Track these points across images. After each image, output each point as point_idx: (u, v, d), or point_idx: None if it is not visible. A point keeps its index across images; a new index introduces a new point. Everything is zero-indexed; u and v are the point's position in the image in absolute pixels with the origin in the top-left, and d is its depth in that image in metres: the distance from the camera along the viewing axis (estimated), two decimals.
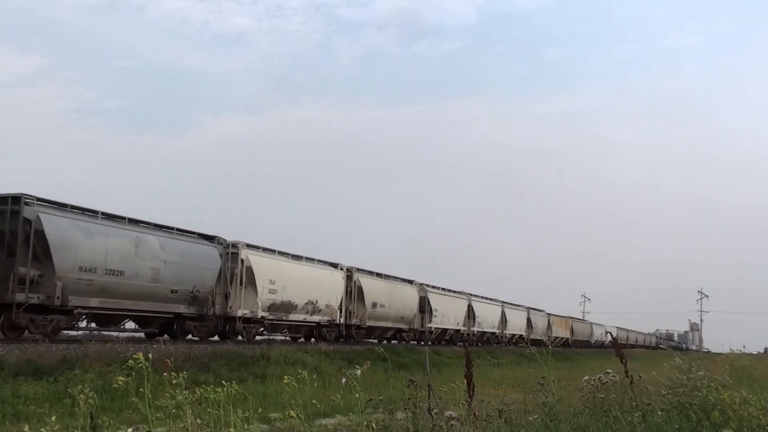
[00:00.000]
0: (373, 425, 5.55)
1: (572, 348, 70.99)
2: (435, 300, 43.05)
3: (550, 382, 6.10)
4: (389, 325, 38.20)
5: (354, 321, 34.13)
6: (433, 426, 5.54)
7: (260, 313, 27.24)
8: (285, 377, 5.39)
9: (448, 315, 44.63)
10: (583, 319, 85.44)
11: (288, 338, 31.87)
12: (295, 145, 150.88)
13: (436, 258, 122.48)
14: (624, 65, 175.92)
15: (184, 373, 4.74)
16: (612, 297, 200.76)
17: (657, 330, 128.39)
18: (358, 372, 5.69)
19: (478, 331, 49.77)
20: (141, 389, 4.34)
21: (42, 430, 4.36)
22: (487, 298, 53.48)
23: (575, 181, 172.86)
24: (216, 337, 27.23)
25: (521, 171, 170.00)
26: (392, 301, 37.80)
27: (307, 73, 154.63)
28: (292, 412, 5.15)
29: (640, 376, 6.20)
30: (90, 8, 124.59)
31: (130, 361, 4.42)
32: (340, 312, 33.18)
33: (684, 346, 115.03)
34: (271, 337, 30.05)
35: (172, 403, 4.54)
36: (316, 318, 31.20)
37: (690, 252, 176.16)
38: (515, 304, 59.16)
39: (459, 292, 47.79)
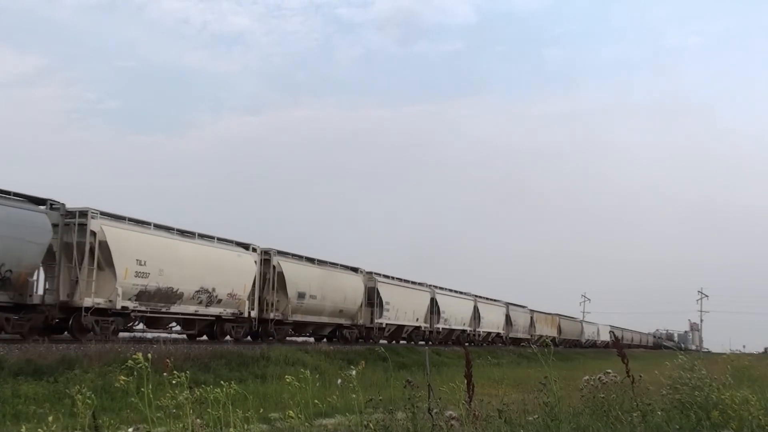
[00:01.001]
0: (372, 425, 5.55)
1: (560, 348, 64.69)
2: (386, 291, 37.02)
3: (551, 382, 6.10)
4: (324, 320, 32.29)
5: (272, 315, 28.20)
6: (433, 426, 5.53)
7: (120, 303, 21.29)
8: (287, 377, 5.39)
9: (404, 309, 38.61)
10: (573, 317, 79.60)
11: (178, 335, 25.57)
12: (295, 145, 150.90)
13: (436, 258, 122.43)
14: (624, 65, 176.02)
15: (186, 372, 4.74)
16: (612, 297, 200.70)
17: (657, 330, 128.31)
18: (353, 372, 5.68)
19: (443, 329, 43.90)
20: (141, 389, 4.34)
21: (41, 430, 4.35)
22: (456, 291, 47.32)
23: (575, 180, 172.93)
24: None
25: (521, 171, 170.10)
26: (327, 292, 31.53)
27: (307, 73, 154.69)
28: (291, 412, 5.15)
29: (640, 376, 6.20)
30: (90, 8, 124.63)
31: (130, 361, 4.42)
32: (252, 303, 27.13)
33: (683, 346, 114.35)
34: (145, 334, 24.40)
35: (172, 403, 4.54)
36: (214, 310, 25.19)
37: (690, 252, 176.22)
38: (491, 299, 53.99)
39: (419, 284, 42.07)
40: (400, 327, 38.80)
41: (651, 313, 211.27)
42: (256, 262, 27.47)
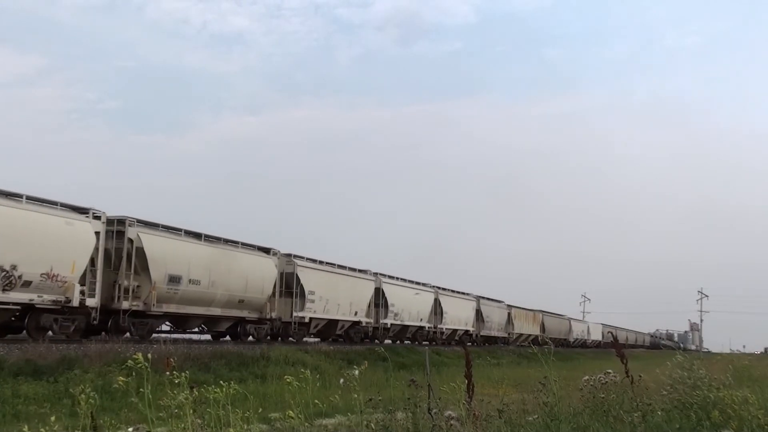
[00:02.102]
0: (372, 425, 5.56)
1: (544, 348, 63.12)
2: (311, 279, 30.09)
3: (551, 382, 6.10)
4: (216, 312, 25.22)
5: (127, 304, 21.54)
6: (433, 426, 5.54)
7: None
8: (287, 377, 5.39)
9: (337, 301, 31.91)
10: (560, 314, 73.17)
11: None
12: (294, 145, 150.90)
13: (436, 258, 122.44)
14: (623, 65, 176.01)
15: (187, 372, 4.74)
16: (612, 297, 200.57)
17: (657, 330, 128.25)
18: (356, 372, 5.70)
19: (393, 324, 37.49)
20: (141, 389, 4.34)
21: (42, 430, 4.36)
22: (411, 282, 40.64)
23: (575, 180, 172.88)
24: None
25: (521, 171, 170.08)
26: (220, 277, 24.76)
27: (307, 73, 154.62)
28: (291, 412, 5.15)
29: (640, 376, 6.20)
30: (90, 8, 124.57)
31: (129, 361, 4.42)
32: (85, 289, 20.17)
33: (682, 345, 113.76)
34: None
35: (172, 403, 4.54)
36: (19, 297, 18.34)
37: (690, 252, 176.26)
38: (458, 292, 47.33)
39: (362, 271, 35.54)
40: (333, 322, 32.25)
41: (651, 313, 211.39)
42: (97, 232, 20.70)
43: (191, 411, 4.60)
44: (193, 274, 23.76)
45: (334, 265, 33.22)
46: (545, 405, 6.05)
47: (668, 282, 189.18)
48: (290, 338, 30.04)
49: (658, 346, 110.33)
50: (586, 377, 6.46)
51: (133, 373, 4.39)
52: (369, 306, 35.39)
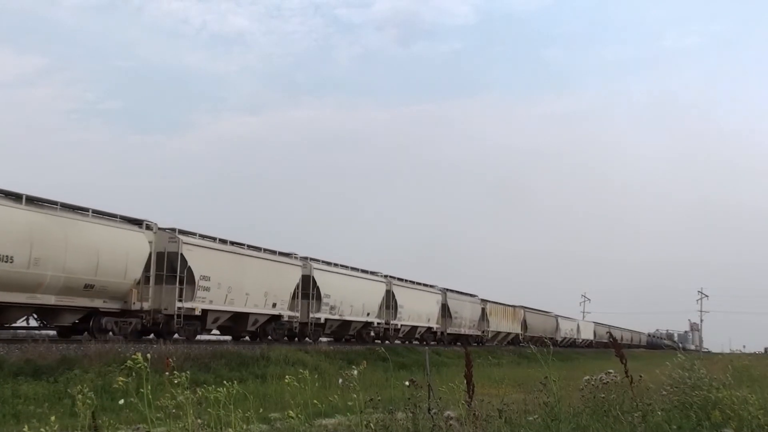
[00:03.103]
0: (372, 425, 5.55)
1: (525, 347, 54.28)
2: (201, 259, 24.02)
3: (551, 382, 6.10)
4: (48, 301, 18.98)
5: None
6: (433, 426, 5.53)
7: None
8: (287, 377, 5.39)
9: (246, 288, 26.07)
10: (546, 311, 66.37)
11: None
12: (294, 145, 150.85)
13: (436, 259, 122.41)
14: (623, 65, 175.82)
15: (187, 372, 4.74)
16: (612, 297, 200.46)
17: (657, 330, 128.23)
18: (355, 372, 5.70)
19: (329, 319, 31.54)
20: (141, 389, 4.34)
21: (42, 430, 4.35)
22: (354, 269, 35.04)
23: (575, 180, 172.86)
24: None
25: (521, 171, 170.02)
26: (50, 253, 18.69)
27: (307, 74, 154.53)
28: (291, 412, 5.15)
29: (640, 376, 6.20)
30: (89, 8, 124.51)
31: (129, 361, 4.42)
32: None
33: (681, 345, 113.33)
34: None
35: (172, 403, 4.54)
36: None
37: (690, 252, 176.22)
38: (418, 283, 41.10)
39: (289, 255, 30.10)
40: (241, 315, 26.48)
41: (651, 313, 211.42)
42: None
43: (191, 411, 4.60)
44: (6, 249, 17.52)
45: (244, 245, 27.31)
46: (545, 405, 6.05)
47: (668, 282, 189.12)
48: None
49: (656, 345, 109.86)
50: (587, 377, 6.46)
51: (133, 374, 4.39)
52: (294, 295, 29.47)
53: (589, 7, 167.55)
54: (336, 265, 33.81)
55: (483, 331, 49.30)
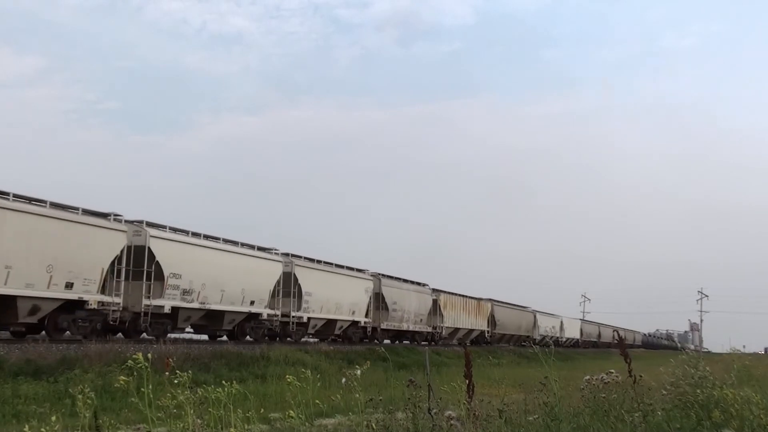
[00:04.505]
0: (373, 425, 5.55)
1: (492, 345, 46.91)
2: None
3: (551, 382, 6.10)
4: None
5: None
6: (433, 426, 5.53)
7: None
8: (288, 376, 5.39)
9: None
10: (523, 306, 58.80)
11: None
12: (294, 145, 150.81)
13: (436, 259, 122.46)
14: (622, 66, 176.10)
15: (189, 372, 4.74)
16: (612, 297, 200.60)
17: (657, 330, 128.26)
18: (358, 372, 5.70)
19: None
20: (141, 389, 4.34)
21: (43, 430, 4.35)
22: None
23: (575, 181, 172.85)
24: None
25: (521, 171, 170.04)
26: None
27: (306, 74, 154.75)
28: (291, 412, 5.15)
29: (641, 376, 6.19)
30: (89, 9, 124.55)
31: (129, 361, 4.42)
32: None
33: (680, 345, 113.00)
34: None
35: (173, 403, 4.54)
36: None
37: (690, 252, 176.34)
38: (338, 265, 32.89)
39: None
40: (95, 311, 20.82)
41: (651, 313, 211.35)
42: None
43: (192, 411, 4.60)
44: None
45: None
46: (546, 405, 6.05)
47: (668, 282, 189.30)
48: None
49: (653, 345, 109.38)
50: (588, 377, 6.45)
51: (134, 373, 4.39)
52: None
53: (588, 7, 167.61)
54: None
55: (435, 327, 41.12)
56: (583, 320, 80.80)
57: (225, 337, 26.94)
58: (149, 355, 4.49)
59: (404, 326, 37.37)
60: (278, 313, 27.58)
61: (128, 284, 21.38)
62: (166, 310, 22.32)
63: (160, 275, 22.01)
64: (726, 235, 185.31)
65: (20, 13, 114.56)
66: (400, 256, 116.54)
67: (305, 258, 30.50)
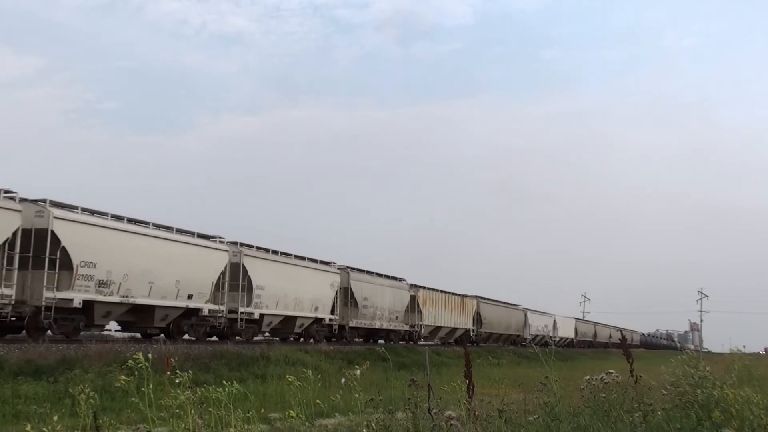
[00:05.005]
0: (373, 425, 5.56)
1: (479, 346, 44.67)
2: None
3: (552, 382, 6.10)
4: None
5: None
6: (433, 426, 5.53)
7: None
8: (288, 376, 5.40)
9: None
10: (511, 303, 55.85)
11: None
12: (294, 145, 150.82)
13: (436, 259, 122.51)
14: (622, 66, 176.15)
15: (189, 372, 4.75)
16: (612, 297, 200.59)
17: (657, 330, 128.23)
18: (358, 372, 5.70)
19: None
20: (142, 389, 4.35)
21: (44, 430, 4.36)
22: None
23: (575, 181, 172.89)
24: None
25: (521, 171, 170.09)
26: None
27: (306, 74, 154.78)
28: (291, 412, 5.15)
29: (641, 376, 6.20)
30: (89, 9, 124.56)
31: (130, 361, 4.43)
32: None
33: (679, 345, 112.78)
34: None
35: (174, 402, 4.55)
36: None
37: (690, 252, 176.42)
38: (297, 256, 30.05)
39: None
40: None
41: (651, 313, 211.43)
42: None
43: (192, 411, 4.60)
44: None
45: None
46: (546, 405, 6.05)
47: (668, 282, 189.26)
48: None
49: (651, 345, 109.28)
50: (588, 377, 6.46)
51: (135, 373, 4.39)
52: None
53: (588, 7, 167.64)
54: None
55: (413, 326, 38.22)
56: (578, 319, 78.49)
57: (162, 336, 23.82)
58: (150, 355, 4.49)
59: (377, 324, 34.34)
60: (223, 308, 24.75)
61: (25, 274, 18.25)
62: (76, 303, 19.16)
63: (68, 264, 18.90)
64: (726, 235, 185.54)
65: (20, 13, 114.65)
66: (401, 256, 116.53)
67: (257, 247, 27.61)
